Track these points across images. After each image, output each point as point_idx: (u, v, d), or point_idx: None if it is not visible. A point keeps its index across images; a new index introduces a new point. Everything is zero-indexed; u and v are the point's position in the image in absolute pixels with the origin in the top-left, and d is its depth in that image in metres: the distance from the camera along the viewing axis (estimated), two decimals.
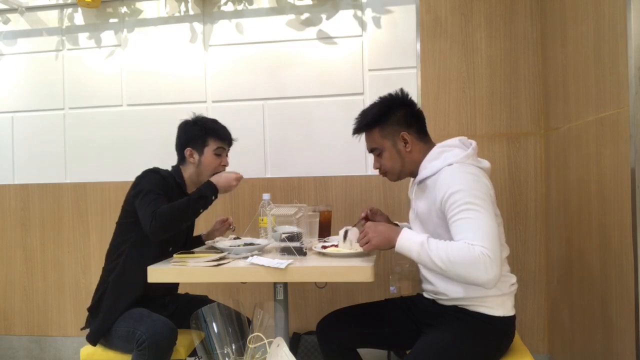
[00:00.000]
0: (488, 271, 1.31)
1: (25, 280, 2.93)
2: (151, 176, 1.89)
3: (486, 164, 1.59)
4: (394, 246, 1.49)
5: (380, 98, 1.69)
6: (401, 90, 1.68)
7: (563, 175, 2.17)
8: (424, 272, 1.66)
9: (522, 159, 2.46)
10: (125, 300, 1.81)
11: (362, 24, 2.65)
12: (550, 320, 2.45)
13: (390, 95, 1.68)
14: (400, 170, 1.65)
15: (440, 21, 2.55)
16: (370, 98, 2.63)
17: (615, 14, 1.63)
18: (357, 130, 1.69)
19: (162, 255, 1.83)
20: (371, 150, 1.70)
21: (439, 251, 1.38)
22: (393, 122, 1.63)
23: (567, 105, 2.11)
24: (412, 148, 1.62)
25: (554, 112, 2.31)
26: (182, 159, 2.01)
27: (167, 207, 1.77)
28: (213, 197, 1.87)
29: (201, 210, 1.84)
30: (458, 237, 1.39)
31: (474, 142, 1.60)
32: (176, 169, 2.01)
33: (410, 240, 1.45)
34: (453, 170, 1.49)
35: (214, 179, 1.89)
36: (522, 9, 2.49)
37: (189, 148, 1.97)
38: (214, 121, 2.04)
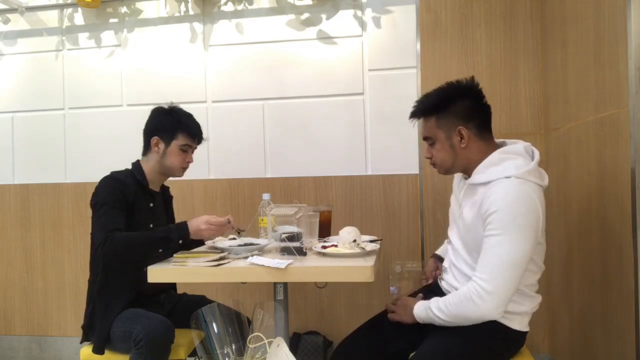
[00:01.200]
0: (478, 305, 1.38)
1: (25, 280, 2.93)
2: (106, 185, 1.83)
3: (546, 179, 1.48)
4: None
5: (446, 83, 1.56)
6: (472, 78, 1.56)
7: (563, 175, 2.17)
8: (455, 260, 1.60)
9: None
10: (115, 307, 1.79)
11: (362, 24, 2.65)
12: (550, 320, 2.45)
13: (457, 82, 1.55)
14: (451, 165, 1.55)
15: (440, 21, 2.55)
16: (370, 98, 2.64)
17: (615, 14, 1.63)
18: (414, 115, 1.59)
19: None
20: (425, 138, 1.59)
21: (439, 305, 1.47)
22: (452, 113, 1.51)
23: (567, 105, 2.10)
24: (469, 144, 1.51)
25: (554, 112, 2.31)
26: (147, 146, 1.96)
27: (124, 235, 1.72)
28: (180, 241, 1.75)
29: (160, 251, 1.74)
30: (479, 259, 1.43)
31: (537, 153, 1.49)
32: (136, 164, 1.96)
33: (419, 310, 1.53)
34: (508, 187, 1.39)
35: (190, 222, 1.78)
36: (522, 9, 2.49)
37: (156, 137, 1.92)
38: (189, 116, 1.99)
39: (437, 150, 1.55)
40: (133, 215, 1.84)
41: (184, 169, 2.00)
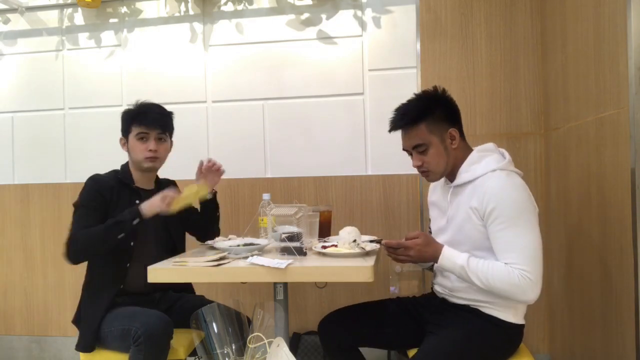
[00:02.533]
0: (527, 293, 1.41)
1: (25, 280, 2.93)
2: (85, 186, 1.90)
3: (521, 173, 1.58)
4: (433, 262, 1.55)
5: (419, 94, 1.64)
6: (435, 87, 1.63)
7: (563, 175, 2.17)
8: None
9: (522, 159, 2.46)
10: (99, 305, 1.82)
11: (362, 24, 2.65)
12: (550, 320, 2.45)
13: (431, 90, 1.63)
14: (445, 168, 1.60)
15: (440, 21, 2.55)
16: (370, 98, 2.64)
17: (615, 14, 1.63)
18: (401, 125, 1.61)
19: (123, 255, 1.86)
20: (414, 147, 1.60)
21: (478, 274, 1.44)
22: (439, 118, 1.57)
23: (567, 105, 2.10)
24: (458, 145, 1.59)
25: (554, 112, 2.31)
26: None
27: (82, 232, 1.78)
28: (135, 221, 1.77)
29: (120, 235, 1.76)
30: (500, 254, 1.45)
31: (505, 151, 1.60)
32: (124, 165, 2.02)
33: (451, 262, 1.49)
34: (500, 179, 1.48)
35: (143, 203, 1.81)
36: (522, 8, 2.49)
37: (121, 137, 1.99)
38: (141, 106, 1.97)
39: (431, 155, 1.58)
40: (114, 212, 1.85)
41: (149, 158, 1.93)
